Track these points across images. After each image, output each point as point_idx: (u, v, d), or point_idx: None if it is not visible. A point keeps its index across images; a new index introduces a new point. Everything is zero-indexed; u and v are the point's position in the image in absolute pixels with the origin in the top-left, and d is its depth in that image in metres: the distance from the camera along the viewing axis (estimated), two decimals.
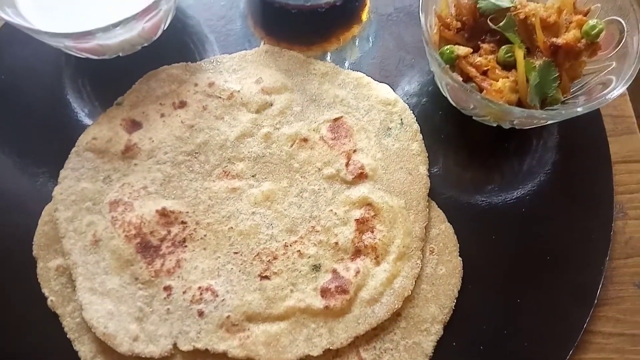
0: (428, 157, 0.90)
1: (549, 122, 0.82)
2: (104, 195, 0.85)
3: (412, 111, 0.93)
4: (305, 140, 0.89)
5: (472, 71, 0.82)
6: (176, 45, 1.00)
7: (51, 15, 0.87)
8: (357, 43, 1.03)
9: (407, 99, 0.97)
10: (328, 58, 1.02)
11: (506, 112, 0.77)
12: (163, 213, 0.83)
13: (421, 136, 0.91)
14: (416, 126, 0.92)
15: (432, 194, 0.88)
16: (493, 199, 0.89)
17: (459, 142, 0.93)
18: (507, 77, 0.81)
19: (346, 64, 1.01)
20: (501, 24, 0.82)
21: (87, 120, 0.93)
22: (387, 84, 0.96)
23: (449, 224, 0.86)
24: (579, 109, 0.74)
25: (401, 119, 0.92)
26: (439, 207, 0.88)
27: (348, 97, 0.94)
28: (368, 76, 0.96)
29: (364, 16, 1.06)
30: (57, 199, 0.84)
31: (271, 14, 1.03)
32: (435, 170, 0.90)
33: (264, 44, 1.00)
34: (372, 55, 1.00)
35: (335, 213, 0.84)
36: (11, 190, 0.88)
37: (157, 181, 0.86)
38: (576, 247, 0.84)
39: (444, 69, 0.79)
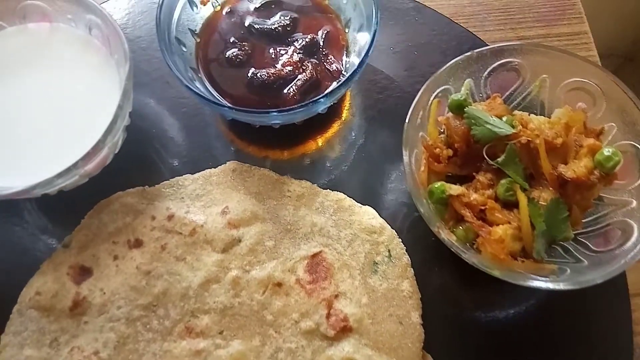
0: (421, 297, 0.79)
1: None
2: None
3: (400, 227, 0.83)
4: (279, 285, 0.78)
5: (468, 215, 0.70)
6: (133, 160, 0.87)
7: None
8: (337, 145, 0.92)
9: (395, 210, 0.86)
10: (307, 161, 0.90)
11: (510, 277, 0.66)
12: None
13: (412, 271, 0.80)
14: (406, 259, 0.81)
15: (426, 343, 0.76)
16: (496, 340, 0.78)
17: (455, 268, 0.81)
18: (509, 222, 0.69)
19: (327, 164, 0.89)
20: (500, 159, 0.70)
21: (30, 268, 0.80)
22: (371, 197, 0.85)
23: None
24: (597, 280, 0.63)
25: (389, 251, 0.81)
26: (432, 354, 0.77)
27: (327, 224, 0.82)
28: (349, 197, 0.85)
29: (344, 115, 0.93)
30: None
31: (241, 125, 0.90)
32: (428, 300, 0.79)
33: (232, 161, 0.88)
34: (355, 168, 0.89)
35: None
36: None
37: (110, 343, 0.75)
38: None
39: (433, 225, 0.67)
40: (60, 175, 0.70)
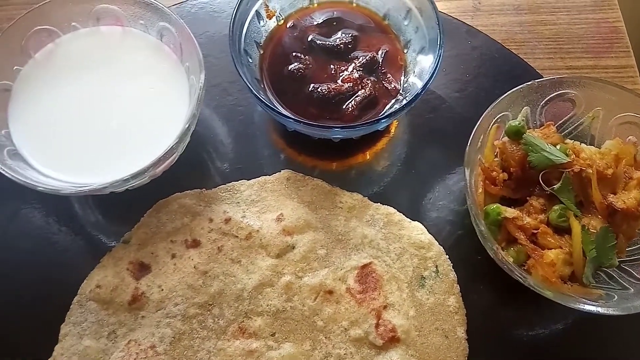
0: (466, 313, 0.82)
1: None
2: (109, 355, 0.77)
3: (444, 244, 0.85)
4: (330, 292, 0.81)
5: (521, 238, 0.73)
6: (188, 163, 0.89)
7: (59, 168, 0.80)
8: (385, 160, 0.95)
9: (440, 226, 0.88)
10: (354, 173, 0.93)
11: (562, 300, 0.69)
12: None
13: (458, 288, 0.83)
14: (453, 275, 0.83)
15: (469, 358, 0.79)
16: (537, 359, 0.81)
17: (498, 286, 0.84)
18: (560, 247, 0.72)
19: (373, 178, 0.92)
20: (556, 186, 0.73)
21: (91, 260, 0.84)
22: (416, 212, 0.88)
23: None
24: None
25: (436, 267, 0.84)
26: None
27: (377, 237, 0.85)
28: (399, 211, 0.88)
29: (394, 131, 0.96)
30: None
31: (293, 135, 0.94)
32: (470, 317, 0.81)
33: (286, 170, 0.91)
34: (401, 183, 0.91)
35: None
36: (11, 346, 0.80)
37: (167, 339, 0.78)
38: None
39: (491, 245, 0.70)
40: (134, 176, 0.73)
